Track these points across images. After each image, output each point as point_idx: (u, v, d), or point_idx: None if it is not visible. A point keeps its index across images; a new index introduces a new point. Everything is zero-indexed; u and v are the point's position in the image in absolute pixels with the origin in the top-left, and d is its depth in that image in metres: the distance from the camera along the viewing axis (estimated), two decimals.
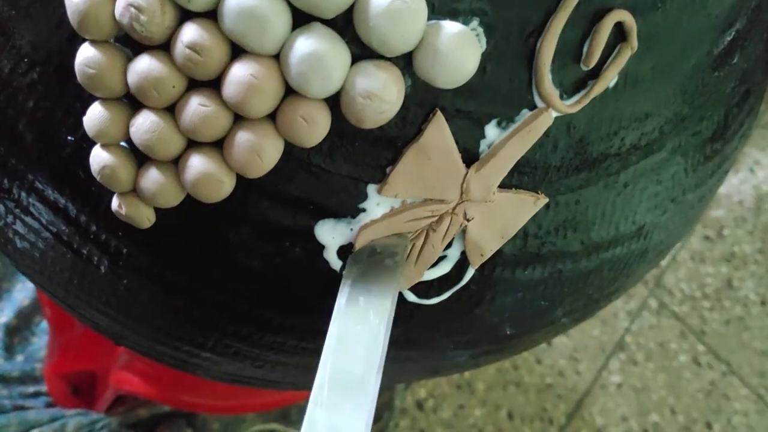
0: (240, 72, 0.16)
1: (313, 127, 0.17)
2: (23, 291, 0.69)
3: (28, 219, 0.22)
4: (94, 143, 0.19)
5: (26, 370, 0.66)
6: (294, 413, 0.65)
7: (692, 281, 0.95)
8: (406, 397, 0.81)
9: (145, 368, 0.55)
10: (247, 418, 0.62)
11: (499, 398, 0.84)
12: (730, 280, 0.95)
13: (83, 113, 0.18)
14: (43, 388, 0.65)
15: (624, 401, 0.87)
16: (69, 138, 0.19)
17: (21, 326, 0.69)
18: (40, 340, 0.68)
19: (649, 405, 0.87)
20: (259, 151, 0.17)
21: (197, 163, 0.18)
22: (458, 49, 0.17)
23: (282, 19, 0.16)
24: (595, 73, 0.19)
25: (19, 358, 0.67)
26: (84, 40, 0.17)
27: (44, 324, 0.68)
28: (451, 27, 0.17)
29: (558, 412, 0.85)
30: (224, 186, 0.18)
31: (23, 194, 0.21)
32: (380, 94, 0.17)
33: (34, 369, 0.66)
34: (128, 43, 0.18)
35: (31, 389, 0.65)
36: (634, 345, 0.90)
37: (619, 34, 0.19)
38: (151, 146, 0.18)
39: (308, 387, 0.16)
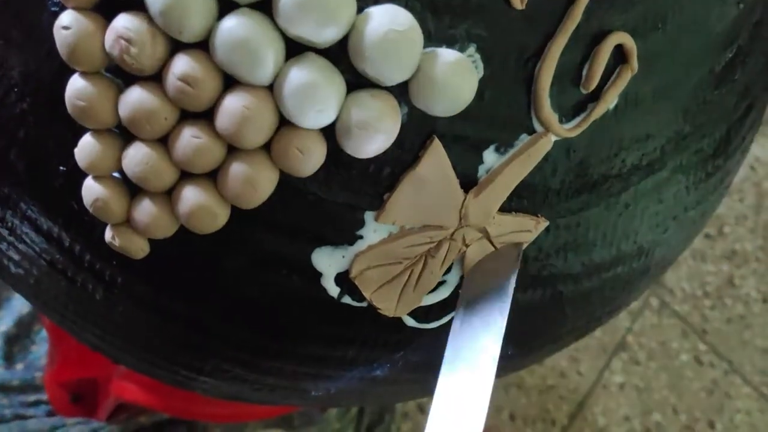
0: (233, 103, 0.16)
1: (308, 157, 0.17)
2: (22, 299, 0.69)
3: (22, 246, 0.22)
4: (86, 174, 0.18)
5: (26, 378, 0.66)
6: (296, 419, 0.65)
7: (693, 280, 0.95)
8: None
9: (145, 378, 0.54)
10: (248, 423, 0.62)
11: (500, 400, 0.84)
12: (731, 278, 0.95)
13: (74, 144, 0.18)
14: (44, 396, 0.64)
15: (626, 401, 0.87)
16: (61, 168, 0.19)
17: (21, 335, 0.68)
18: (40, 348, 0.68)
19: (652, 404, 0.87)
20: (254, 182, 0.17)
21: (191, 195, 0.17)
22: (455, 78, 0.16)
23: (275, 49, 0.16)
24: (595, 95, 0.19)
25: (19, 366, 0.67)
26: (74, 71, 0.17)
27: (44, 332, 0.68)
28: (447, 55, 0.16)
29: (560, 413, 0.85)
30: (219, 217, 0.18)
31: (17, 222, 0.21)
32: (376, 124, 0.16)
33: (34, 377, 0.66)
34: (119, 72, 0.17)
35: (31, 398, 0.65)
36: (636, 345, 0.90)
37: (619, 55, 0.19)
38: (144, 178, 0.17)
39: (308, 405, 0.16)
